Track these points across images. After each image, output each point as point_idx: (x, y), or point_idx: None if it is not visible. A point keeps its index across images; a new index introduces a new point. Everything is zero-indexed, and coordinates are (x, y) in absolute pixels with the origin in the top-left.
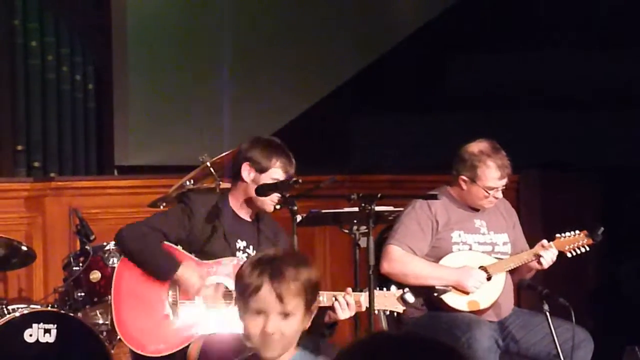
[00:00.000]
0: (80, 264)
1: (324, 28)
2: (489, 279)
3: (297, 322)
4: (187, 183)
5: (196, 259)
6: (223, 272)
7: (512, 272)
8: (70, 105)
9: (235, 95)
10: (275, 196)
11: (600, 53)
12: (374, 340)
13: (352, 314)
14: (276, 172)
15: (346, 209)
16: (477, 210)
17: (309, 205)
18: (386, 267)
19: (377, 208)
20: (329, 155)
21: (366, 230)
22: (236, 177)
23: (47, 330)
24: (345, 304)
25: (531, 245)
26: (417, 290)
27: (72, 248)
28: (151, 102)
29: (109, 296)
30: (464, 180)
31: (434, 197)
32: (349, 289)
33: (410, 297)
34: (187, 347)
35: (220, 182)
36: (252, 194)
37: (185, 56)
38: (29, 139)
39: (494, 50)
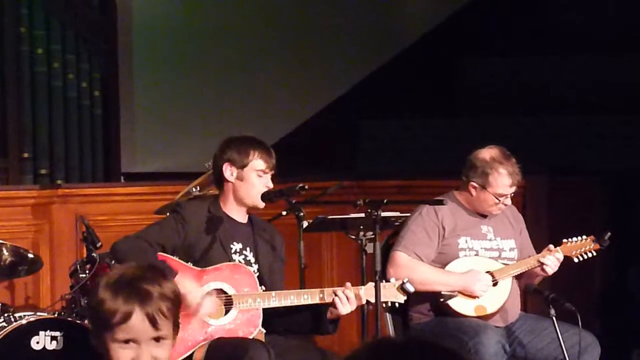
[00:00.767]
0: (87, 271)
1: (332, 32)
2: (495, 284)
3: (169, 345)
4: (194, 190)
5: (193, 267)
6: (220, 277)
7: (518, 277)
8: (76, 112)
9: (241, 101)
10: (262, 185)
11: (609, 56)
12: (378, 346)
13: (353, 308)
14: (257, 164)
15: (352, 215)
16: (485, 216)
17: (316, 211)
18: (392, 273)
19: (384, 214)
20: (336, 161)
21: (372, 236)
22: (220, 181)
23: (53, 338)
24: (346, 299)
25: (538, 251)
26: (423, 295)
27: (79, 255)
28: (157, 109)
29: None
30: (474, 187)
31: (441, 202)
32: (348, 284)
33: (410, 287)
34: (193, 354)
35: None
36: (240, 191)
37: (191, 63)
38: (36, 146)
39: (503, 54)
